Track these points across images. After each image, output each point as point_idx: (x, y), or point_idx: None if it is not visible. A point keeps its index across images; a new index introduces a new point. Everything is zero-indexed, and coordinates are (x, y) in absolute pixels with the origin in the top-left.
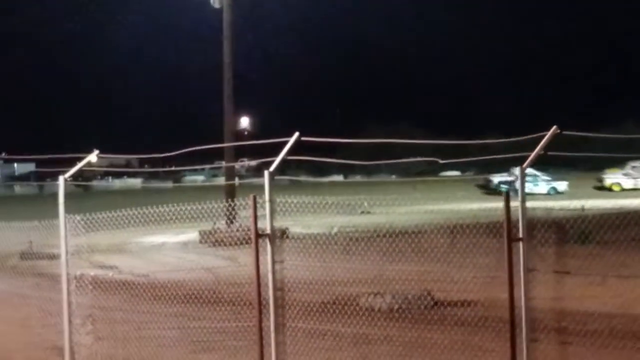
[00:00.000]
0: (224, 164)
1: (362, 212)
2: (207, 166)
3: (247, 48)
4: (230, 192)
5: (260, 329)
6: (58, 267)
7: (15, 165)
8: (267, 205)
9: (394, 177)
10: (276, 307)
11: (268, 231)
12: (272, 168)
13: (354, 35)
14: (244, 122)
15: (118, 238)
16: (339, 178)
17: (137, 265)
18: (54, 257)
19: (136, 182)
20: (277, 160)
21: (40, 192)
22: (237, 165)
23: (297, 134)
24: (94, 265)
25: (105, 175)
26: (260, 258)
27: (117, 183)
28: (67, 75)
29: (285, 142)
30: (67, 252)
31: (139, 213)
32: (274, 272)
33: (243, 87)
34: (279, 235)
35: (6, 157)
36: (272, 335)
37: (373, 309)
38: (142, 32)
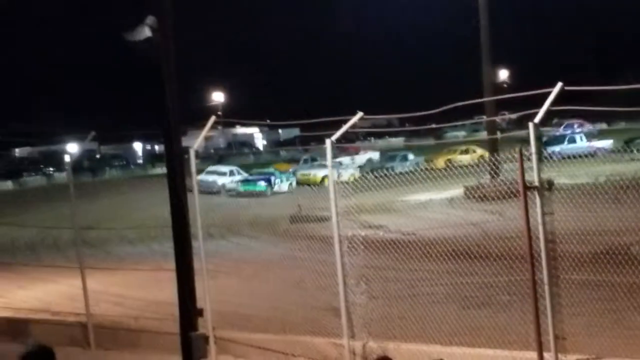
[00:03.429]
0: (484, 118)
1: (632, 160)
2: (468, 121)
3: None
4: (493, 146)
5: (534, 282)
6: (327, 229)
7: (280, 131)
8: (534, 157)
9: None
10: (548, 259)
11: (536, 183)
12: (537, 119)
13: None
14: (503, 74)
15: (384, 197)
16: (602, 126)
17: (404, 223)
18: (322, 219)
19: (398, 142)
20: (542, 111)
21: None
22: (498, 119)
23: (560, 84)
24: (363, 226)
25: (367, 136)
26: (529, 210)
27: (379, 143)
28: (326, 39)
29: (547, 94)
30: (337, 214)
31: (404, 172)
32: (544, 224)
33: (499, 39)
34: (547, 187)
35: (271, 123)
36: (546, 287)
37: None
38: None
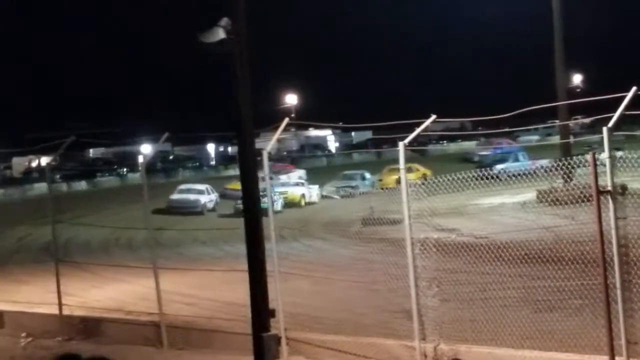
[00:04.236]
0: (557, 122)
1: None
2: (541, 125)
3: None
4: (566, 150)
5: (606, 286)
6: (399, 232)
7: (353, 133)
8: (608, 161)
9: None
10: (621, 263)
11: (609, 187)
12: (611, 124)
13: None
14: (576, 79)
15: (456, 201)
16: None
17: (477, 226)
18: (394, 222)
19: (470, 145)
20: (616, 115)
21: (378, 159)
22: (571, 123)
23: (634, 89)
24: (435, 229)
25: (439, 139)
26: (602, 215)
27: (451, 146)
28: (400, 42)
29: (622, 98)
30: (409, 217)
31: (476, 175)
32: (617, 228)
33: (572, 43)
34: (620, 192)
35: (344, 125)
36: (618, 291)
37: None
38: None
